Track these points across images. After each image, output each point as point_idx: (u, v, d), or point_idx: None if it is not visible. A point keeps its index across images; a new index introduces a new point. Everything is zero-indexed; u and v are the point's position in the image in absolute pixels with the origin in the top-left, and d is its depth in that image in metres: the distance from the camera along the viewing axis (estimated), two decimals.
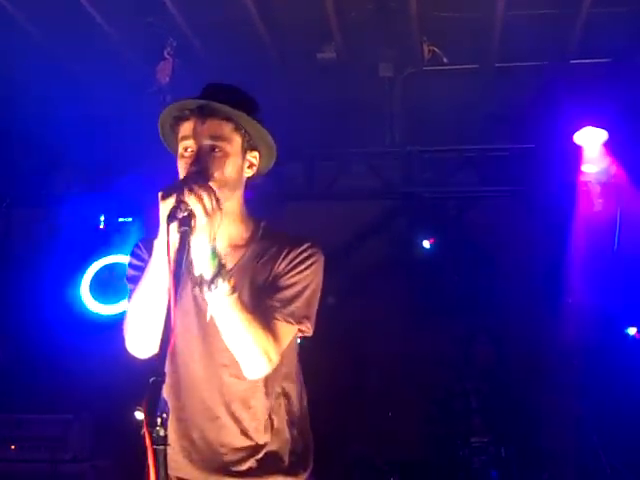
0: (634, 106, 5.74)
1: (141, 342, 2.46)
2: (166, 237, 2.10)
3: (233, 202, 2.60)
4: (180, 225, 2.14)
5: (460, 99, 5.74)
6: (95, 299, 6.41)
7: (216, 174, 2.45)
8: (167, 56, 5.34)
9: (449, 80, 5.71)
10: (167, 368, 2.02)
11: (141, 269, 2.50)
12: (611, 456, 5.75)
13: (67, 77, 5.55)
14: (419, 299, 6.70)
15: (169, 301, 1.98)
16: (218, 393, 2.58)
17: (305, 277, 2.58)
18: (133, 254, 2.70)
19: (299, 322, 2.55)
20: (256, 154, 2.65)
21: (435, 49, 5.47)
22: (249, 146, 2.60)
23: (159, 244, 2.26)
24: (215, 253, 2.25)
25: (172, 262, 2.05)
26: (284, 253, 2.60)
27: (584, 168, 6.01)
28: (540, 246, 6.55)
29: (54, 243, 6.57)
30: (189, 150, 2.50)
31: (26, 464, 5.57)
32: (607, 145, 5.88)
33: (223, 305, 2.31)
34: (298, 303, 2.55)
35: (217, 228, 2.24)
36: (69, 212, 6.61)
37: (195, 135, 2.49)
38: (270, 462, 2.58)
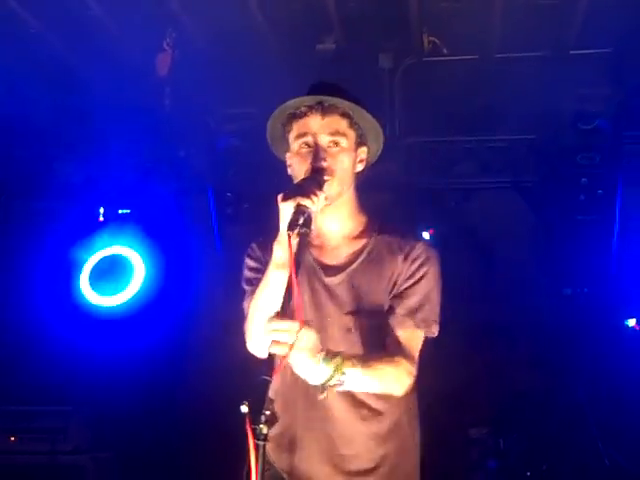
0: (635, 96, 5.73)
1: (262, 343, 2.47)
2: (288, 242, 2.21)
3: (347, 196, 2.68)
4: (300, 227, 2.25)
5: (460, 90, 5.73)
6: (95, 291, 6.41)
7: (335, 169, 2.53)
8: (166, 48, 5.33)
9: (449, 71, 5.69)
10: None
11: (258, 271, 2.63)
12: (610, 447, 5.76)
13: (65, 69, 5.53)
14: None
15: (289, 297, 2.10)
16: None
17: (427, 281, 2.67)
18: (250, 256, 2.78)
19: (428, 326, 2.68)
20: (365, 149, 2.76)
21: (435, 40, 5.45)
22: (360, 141, 2.69)
23: (278, 248, 2.36)
24: (320, 360, 2.25)
25: (293, 263, 2.14)
26: (401, 257, 2.67)
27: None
28: (540, 237, 6.54)
29: (53, 235, 6.56)
30: (308, 146, 2.58)
31: (26, 456, 5.59)
32: None
33: (350, 383, 2.34)
34: (427, 307, 2.66)
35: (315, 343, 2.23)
36: (68, 204, 6.61)
37: (314, 131, 2.56)
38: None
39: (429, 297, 2.66)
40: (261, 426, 1.86)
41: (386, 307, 2.64)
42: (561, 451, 5.93)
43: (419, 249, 2.69)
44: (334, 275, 2.66)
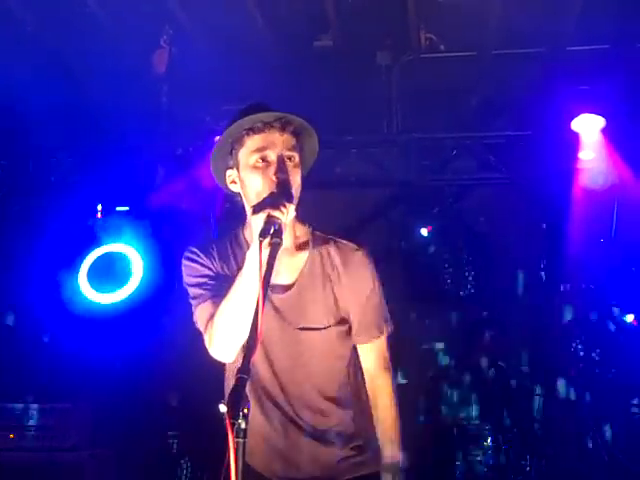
0: (631, 92, 5.73)
1: (230, 348, 2.55)
2: (258, 250, 2.28)
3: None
4: (272, 237, 2.32)
5: (457, 86, 5.74)
6: (93, 288, 6.40)
7: (293, 183, 2.60)
8: (163, 44, 5.33)
9: (446, 67, 5.70)
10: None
11: (212, 277, 2.71)
12: (608, 442, 5.78)
13: (62, 66, 5.53)
14: (417, 286, 6.71)
15: (257, 307, 2.13)
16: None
17: (371, 289, 2.80)
18: (194, 260, 2.77)
19: (382, 331, 2.86)
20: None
21: (432, 36, 5.46)
22: (302, 158, 2.74)
23: (251, 256, 2.43)
24: None
25: (264, 271, 2.23)
26: (340, 269, 2.78)
27: (581, 155, 6.01)
28: (537, 233, 6.55)
29: (51, 232, 6.56)
30: (264, 161, 2.62)
31: (25, 453, 5.58)
32: (604, 132, 5.87)
33: None
34: (377, 312, 2.83)
35: None
36: (66, 201, 6.61)
37: (275, 146, 2.63)
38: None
39: (375, 302, 2.82)
40: (240, 421, 1.88)
41: (331, 320, 2.73)
42: (560, 447, 5.96)
43: (356, 259, 2.79)
44: (279, 293, 2.73)
